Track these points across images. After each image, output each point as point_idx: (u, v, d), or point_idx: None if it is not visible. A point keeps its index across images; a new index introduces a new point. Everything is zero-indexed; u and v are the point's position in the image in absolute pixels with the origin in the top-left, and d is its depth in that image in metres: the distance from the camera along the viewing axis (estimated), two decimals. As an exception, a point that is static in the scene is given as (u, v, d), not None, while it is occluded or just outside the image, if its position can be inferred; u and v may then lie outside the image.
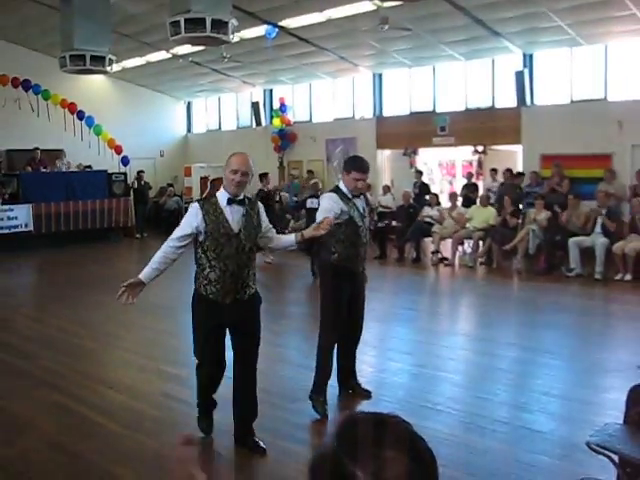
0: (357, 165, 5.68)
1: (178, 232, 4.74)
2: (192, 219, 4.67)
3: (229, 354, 4.93)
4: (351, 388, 6.06)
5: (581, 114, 14.48)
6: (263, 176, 14.46)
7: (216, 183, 20.33)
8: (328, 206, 5.47)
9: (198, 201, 4.84)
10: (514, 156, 16.26)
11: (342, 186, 5.70)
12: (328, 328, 5.67)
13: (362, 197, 5.89)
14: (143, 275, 4.72)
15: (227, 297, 4.72)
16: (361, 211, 5.72)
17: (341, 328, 5.73)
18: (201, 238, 4.67)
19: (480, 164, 16.95)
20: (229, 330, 4.88)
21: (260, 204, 5.00)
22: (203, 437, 5.06)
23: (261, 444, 4.86)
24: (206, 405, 5.21)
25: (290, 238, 5.12)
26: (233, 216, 4.68)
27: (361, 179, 5.61)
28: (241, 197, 4.72)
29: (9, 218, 16.86)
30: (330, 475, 1.15)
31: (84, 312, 9.81)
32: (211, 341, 4.82)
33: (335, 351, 5.83)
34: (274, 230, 5.10)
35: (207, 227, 4.61)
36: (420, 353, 7.54)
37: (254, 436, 4.93)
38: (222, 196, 4.70)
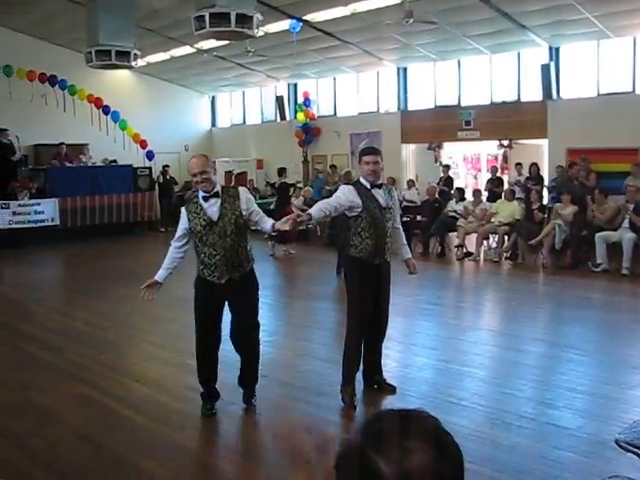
0: (365, 151, 5.88)
1: (176, 234, 5.54)
2: (182, 221, 5.46)
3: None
4: (376, 383, 6.04)
5: (608, 107, 14.31)
6: (282, 170, 16.08)
7: (240, 177, 20.50)
8: (334, 197, 5.68)
9: (185, 206, 5.52)
10: (540, 150, 16.12)
11: (362, 179, 5.72)
12: (354, 323, 5.71)
13: (385, 188, 5.81)
14: (158, 276, 5.50)
15: (222, 278, 5.33)
16: (381, 202, 5.68)
17: (367, 323, 5.73)
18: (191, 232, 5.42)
19: (505, 158, 16.83)
20: (228, 306, 5.53)
21: (241, 191, 5.56)
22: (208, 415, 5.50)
23: (253, 401, 5.67)
24: (208, 388, 5.63)
25: (267, 225, 5.50)
26: (211, 208, 5.32)
27: (371, 162, 5.64)
28: (214, 191, 5.35)
29: (36, 212, 17.04)
30: (354, 466, 1.16)
31: (109, 305, 9.89)
32: (208, 310, 5.46)
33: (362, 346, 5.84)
34: (261, 213, 5.55)
35: (191, 223, 5.36)
36: (445, 348, 7.50)
37: (253, 398, 5.71)
38: (200, 194, 5.38)
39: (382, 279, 5.79)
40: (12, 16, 18.20)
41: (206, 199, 5.34)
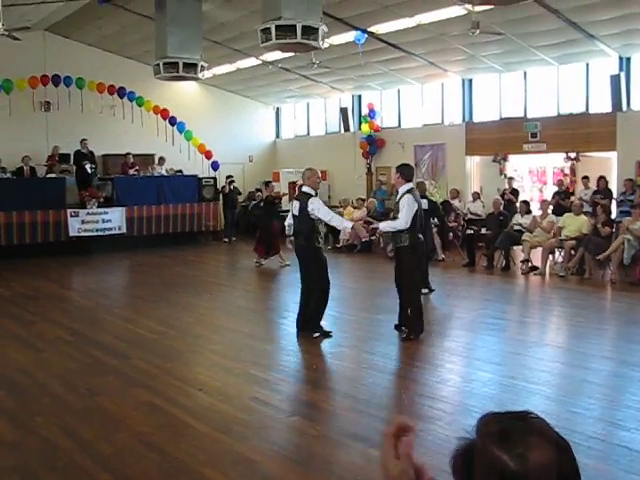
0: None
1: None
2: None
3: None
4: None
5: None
6: (268, 183, 16.24)
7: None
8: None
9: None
10: (608, 163, 15.77)
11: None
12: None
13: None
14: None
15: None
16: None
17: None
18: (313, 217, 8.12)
19: (573, 171, 16.51)
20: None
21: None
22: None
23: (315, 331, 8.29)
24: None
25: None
26: None
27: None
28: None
29: (104, 221, 17.45)
30: (477, 465, 1.21)
31: (174, 313, 10.03)
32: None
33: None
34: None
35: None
36: (510, 364, 7.36)
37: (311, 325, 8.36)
38: None
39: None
40: (84, 31, 18.81)
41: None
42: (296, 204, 8.48)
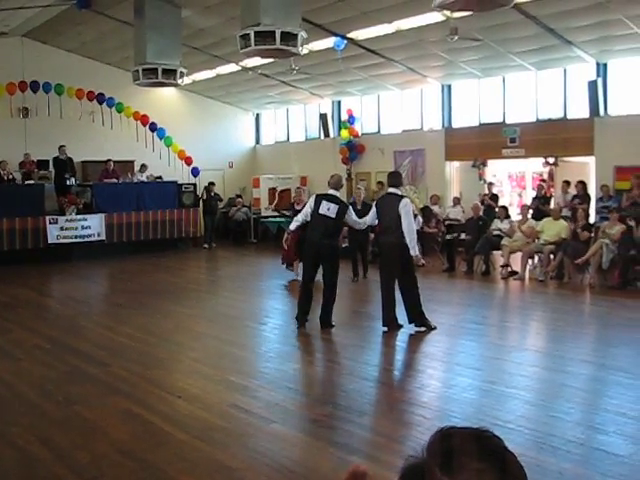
0: None
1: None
2: None
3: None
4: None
5: (658, 124, 14.06)
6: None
7: (283, 194, 20.58)
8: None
9: None
10: (586, 168, 15.89)
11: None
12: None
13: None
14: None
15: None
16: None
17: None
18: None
19: (551, 176, 16.63)
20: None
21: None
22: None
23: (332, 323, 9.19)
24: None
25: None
26: None
27: None
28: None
29: (83, 228, 17.33)
30: None
31: (153, 320, 9.98)
32: None
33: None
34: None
35: None
36: (490, 369, 7.39)
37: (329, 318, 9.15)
38: None
39: None
40: (63, 37, 18.69)
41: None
42: (331, 206, 9.02)
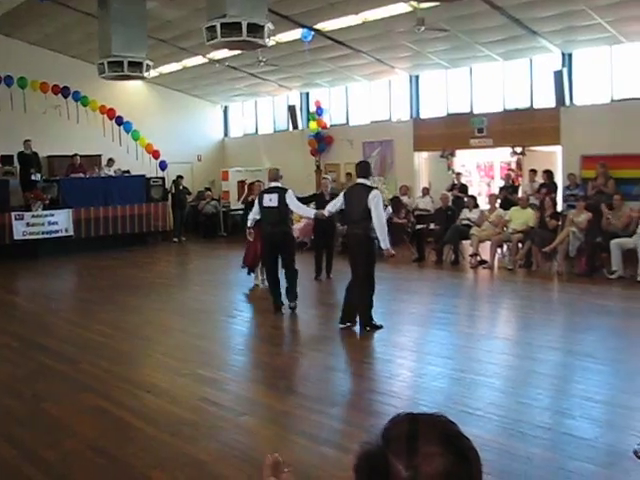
0: None
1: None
2: None
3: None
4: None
5: (622, 113, 14.21)
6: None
7: (253, 187, 20.48)
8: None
9: None
10: (553, 157, 16.04)
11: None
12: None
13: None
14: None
15: None
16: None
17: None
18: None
19: (519, 165, 16.76)
20: None
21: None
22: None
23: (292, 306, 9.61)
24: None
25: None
26: None
27: None
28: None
29: (50, 223, 17.09)
30: (374, 470, 1.17)
31: (122, 316, 9.89)
32: None
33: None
34: None
35: None
36: (460, 357, 7.44)
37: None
38: None
39: None
40: (27, 29, 18.37)
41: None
42: (273, 197, 9.64)
